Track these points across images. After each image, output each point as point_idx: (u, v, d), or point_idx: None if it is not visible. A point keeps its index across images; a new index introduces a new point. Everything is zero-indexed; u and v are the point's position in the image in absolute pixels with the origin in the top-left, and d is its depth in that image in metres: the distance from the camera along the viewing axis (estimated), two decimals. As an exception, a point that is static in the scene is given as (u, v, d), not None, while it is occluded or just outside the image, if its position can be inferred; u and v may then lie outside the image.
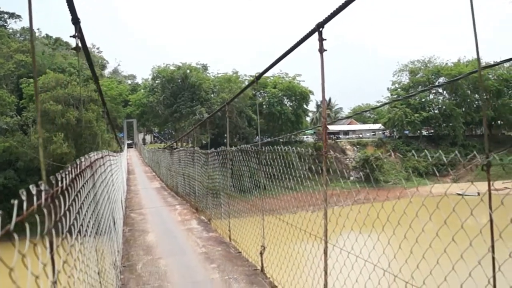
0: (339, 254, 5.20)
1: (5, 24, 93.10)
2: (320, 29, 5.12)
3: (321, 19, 5.12)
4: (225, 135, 71.56)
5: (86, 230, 4.01)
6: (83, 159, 4.35)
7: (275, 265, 7.51)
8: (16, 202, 1.82)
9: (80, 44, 5.28)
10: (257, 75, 8.06)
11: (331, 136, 79.88)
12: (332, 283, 5.31)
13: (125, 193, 21.51)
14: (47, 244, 2.26)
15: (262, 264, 7.83)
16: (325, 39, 5.16)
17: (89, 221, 4.26)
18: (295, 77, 76.63)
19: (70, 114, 50.55)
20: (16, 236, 1.76)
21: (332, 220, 5.20)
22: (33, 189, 2.07)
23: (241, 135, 68.62)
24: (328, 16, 4.98)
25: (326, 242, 5.26)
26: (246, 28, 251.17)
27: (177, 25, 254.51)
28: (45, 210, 2.20)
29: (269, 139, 71.93)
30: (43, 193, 2.18)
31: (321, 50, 5.16)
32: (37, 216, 2.06)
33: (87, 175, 4.33)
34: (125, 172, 31.84)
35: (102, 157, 6.58)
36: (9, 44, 69.61)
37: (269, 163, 7.49)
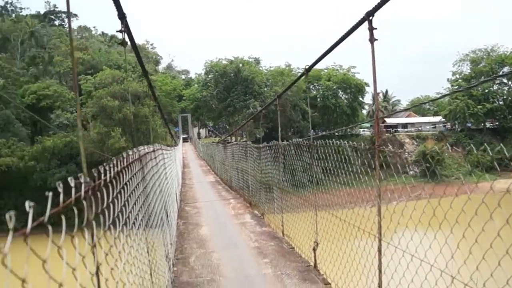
0: (394, 253, 4.95)
1: (63, 23, 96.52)
2: (370, 18, 4.87)
3: (370, 7, 4.85)
4: (279, 129, 71.03)
5: (134, 223, 4.03)
6: (131, 153, 4.32)
7: (328, 261, 7.31)
8: (50, 194, 1.77)
9: (127, 39, 5.25)
10: (307, 67, 7.84)
11: (388, 129, 77.76)
12: (386, 282, 5.07)
13: (180, 186, 21.78)
14: (87, 236, 2.21)
15: (315, 260, 7.67)
16: (375, 28, 4.92)
17: (137, 214, 4.24)
18: (350, 69, 75.04)
19: (127, 109, 51.60)
20: (63, 226, 1.83)
21: (386, 217, 4.96)
22: (71, 181, 2.00)
23: (295, 129, 68.14)
24: (378, 3, 4.71)
25: (380, 240, 5.03)
26: (296, 23, 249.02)
27: (231, 20, 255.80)
28: (84, 202, 2.14)
29: (323, 133, 71.36)
30: (83, 186, 2.11)
31: (372, 40, 4.92)
32: (74, 209, 2.02)
33: (135, 168, 4.29)
34: (180, 166, 32.32)
35: (153, 151, 6.54)
36: (67, 42, 71.85)
37: (321, 157, 7.29)
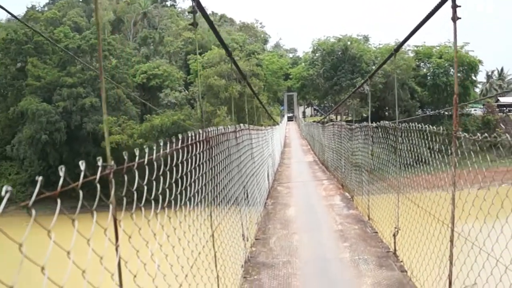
0: (464, 244, 4.65)
1: (175, 4, 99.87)
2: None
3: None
4: (386, 108, 69.25)
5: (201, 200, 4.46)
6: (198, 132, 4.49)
7: (406, 248, 7.04)
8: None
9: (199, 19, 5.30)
10: (395, 47, 7.47)
11: (502, 108, 72.49)
12: (456, 274, 4.78)
13: (276, 166, 22.01)
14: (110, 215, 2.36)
15: (394, 246, 7.41)
16: (459, 6, 4.57)
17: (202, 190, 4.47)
18: (464, 46, 70.61)
19: (233, 88, 52.55)
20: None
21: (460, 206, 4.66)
22: (82, 164, 2.07)
23: (402, 108, 65.69)
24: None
25: (452, 230, 4.75)
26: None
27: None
28: (98, 185, 2.22)
29: (431, 112, 68.21)
30: (99, 169, 2.20)
31: (454, 18, 4.59)
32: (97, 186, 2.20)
33: (198, 149, 4.41)
34: (280, 145, 32.60)
35: (229, 132, 6.64)
36: (178, 23, 74.24)
37: (405, 141, 6.98)
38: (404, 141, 7.04)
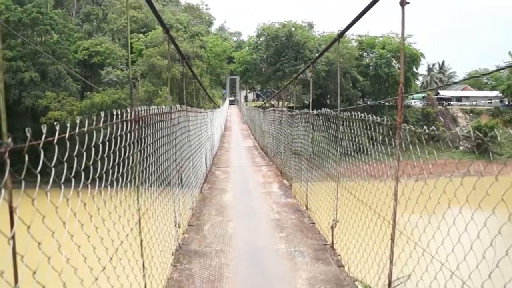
0: (406, 244, 4.40)
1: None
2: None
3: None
4: (328, 96, 70.00)
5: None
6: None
7: (344, 242, 6.81)
8: None
9: None
10: (339, 32, 7.10)
11: (442, 102, 75.04)
12: (396, 275, 4.54)
13: (215, 149, 21.57)
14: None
15: (332, 239, 7.17)
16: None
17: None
18: (407, 37, 72.21)
19: (176, 69, 51.60)
20: None
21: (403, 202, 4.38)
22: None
23: (344, 97, 66.59)
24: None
25: (393, 228, 4.49)
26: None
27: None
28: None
29: (373, 102, 69.59)
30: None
31: (403, 3, 4.30)
32: None
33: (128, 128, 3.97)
34: (221, 129, 32.19)
35: (162, 113, 6.13)
36: (122, 0, 72.16)
37: (347, 130, 6.70)
38: (346, 130, 6.76)
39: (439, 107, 71.79)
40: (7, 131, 2.14)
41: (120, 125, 3.96)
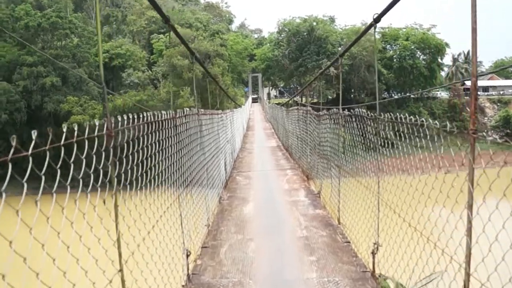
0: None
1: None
2: None
3: None
4: (352, 90, 68.43)
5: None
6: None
7: (390, 266, 5.59)
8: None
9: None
10: (375, 17, 5.88)
11: (468, 92, 72.91)
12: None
13: (237, 152, 20.49)
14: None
15: (373, 265, 5.95)
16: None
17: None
18: (430, 28, 70.43)
19: (197, 68, 50.84)
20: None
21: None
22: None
23: (368, 91, 65.09)
24: None
25: (468, 276, 3.26)
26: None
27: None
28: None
29: (398, 95, 68.01)
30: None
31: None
32: None
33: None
34: (243, 129, 31.13)
35: (160, 120, 5.00)
36: (141, 1, 71.88)
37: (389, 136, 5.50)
38: (387, 135, 5.56)
39: (465, 97, 69.76)
40: (29, 136, 2.32)
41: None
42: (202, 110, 9.15)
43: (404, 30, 70.40)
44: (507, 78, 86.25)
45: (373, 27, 6.09)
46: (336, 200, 8.71)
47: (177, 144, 6.09)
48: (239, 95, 72.20)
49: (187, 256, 5.95)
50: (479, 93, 74.48)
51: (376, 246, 5.85)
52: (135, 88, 56.29)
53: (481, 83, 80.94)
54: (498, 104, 68.94)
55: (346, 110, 7.82)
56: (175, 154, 5.93)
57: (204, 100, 54.54)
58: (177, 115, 6.10)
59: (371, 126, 6.26)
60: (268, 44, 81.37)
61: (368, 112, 6.21)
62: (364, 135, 6.66)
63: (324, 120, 10.33)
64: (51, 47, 52.67)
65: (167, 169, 5.53)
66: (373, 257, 5.89)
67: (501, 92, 76.76)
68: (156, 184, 5.00)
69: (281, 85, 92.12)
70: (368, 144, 6.56)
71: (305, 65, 68.19)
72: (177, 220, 5.78)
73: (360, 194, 7.28)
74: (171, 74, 54.98)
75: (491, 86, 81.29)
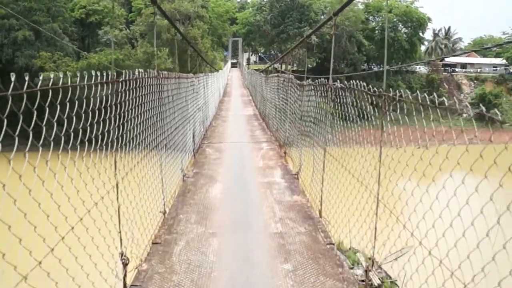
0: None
1: None
2: None
3: None
4: (332, 60, 66.70)
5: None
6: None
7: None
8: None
9: None
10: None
11: (446, 68, 72.91)
12: None
13: (210, 119, 19.02)
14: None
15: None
16: None
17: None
18: (413, 1, 69.18)
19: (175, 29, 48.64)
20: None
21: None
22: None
23: (348, 61, 63.98)
24: None
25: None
26: None
27: None
28: None
29: (378, 68, 67.26)
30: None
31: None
32: None
33: None
34: (219, 94, 29.60)
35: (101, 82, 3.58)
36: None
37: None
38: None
39: (443, 73, 71.04)
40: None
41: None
42: (166, 72, 7.58)
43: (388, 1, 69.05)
44: (484, 56, 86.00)
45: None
46: (318, 188, 7.29)
47: (127, 111, 4.68)
48: (218, 59, 70.11)
49: (125, 264, 4.51)
50: (457, 69, 74.34)
51: (371, 262, 4.50)
52: (112, 47, 54.76)
53: (459, 59, 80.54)
54: (475, 81, 69.50)
55: (338, 81, 6.36)
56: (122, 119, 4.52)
57: (183, 63, 52.77)
58: (121, 78, 4.60)
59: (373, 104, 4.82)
60: (251, 8, 79.39)
61: (371, 87, 4.77)
62: (362, 114, 5.24)
63: (308, 92, 8.83)
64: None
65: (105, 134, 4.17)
66: (366, 275, 4.54)
67: (478, 70, 76.95)
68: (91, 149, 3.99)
69: (262, 51, 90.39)
70: (368, 126, 5.15)
71: (287, 32, 67.01)
72: (114, 213, 4.38)
73: (351, 188, 5.90)
74: (149, 34, 53.09)
75: (469, 63, 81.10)
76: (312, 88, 8.16)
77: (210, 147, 13.60)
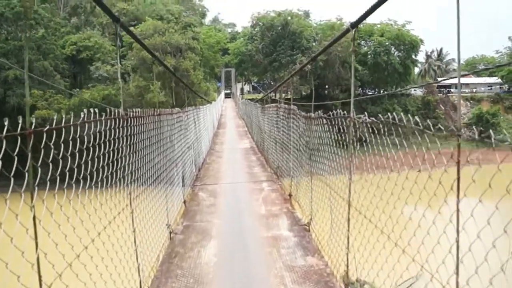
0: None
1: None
2: None
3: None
4: (326, 86, 66.18)
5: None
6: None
7: None
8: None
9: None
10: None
11: (441, 89, 72.33)
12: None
13: (204, 155, 17.49)
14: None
15: None
16: None
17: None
18: (405, 24, 69.11)
19: (168, 62, 47.98)
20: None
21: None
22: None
23: (343, 87, 63.32)
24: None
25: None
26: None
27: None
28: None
29: (372, 92, 66.73)
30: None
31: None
32: None
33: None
34: (213, 127, 28.28)
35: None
36: (110, -8, 68.67)
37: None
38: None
39: (439, 95, 71.13)
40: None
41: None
42: (139, 110, 6.01)
43: (379, 26, 68.83)
44: (478, 76, 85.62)
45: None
46: (342, 247, 5.63)
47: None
48: (212, 90, 69.24)
49: None
50: (451, 90, 73.99)
51: None
52: (104, 82, 53.55)
53: (454, 80, 79.29)
54: (471, 101, 69.64)
55: (364, 115, 4.78)
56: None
57: (176, 95, 51.58)
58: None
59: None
60: (242, 38, 79.06)
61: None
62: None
63: (317, 126, 7.23)
64: (15, 38, 49.84)
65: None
66: None
67: (474, 90, 77.45)
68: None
69: (255, 81, 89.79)
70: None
71: (279, 60, 66.49)
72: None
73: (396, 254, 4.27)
74: (141, 67, 52.32)
75: (464, 84, 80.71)
76: (325, 122, 6.50)
77: (204, 190, 11.94)
